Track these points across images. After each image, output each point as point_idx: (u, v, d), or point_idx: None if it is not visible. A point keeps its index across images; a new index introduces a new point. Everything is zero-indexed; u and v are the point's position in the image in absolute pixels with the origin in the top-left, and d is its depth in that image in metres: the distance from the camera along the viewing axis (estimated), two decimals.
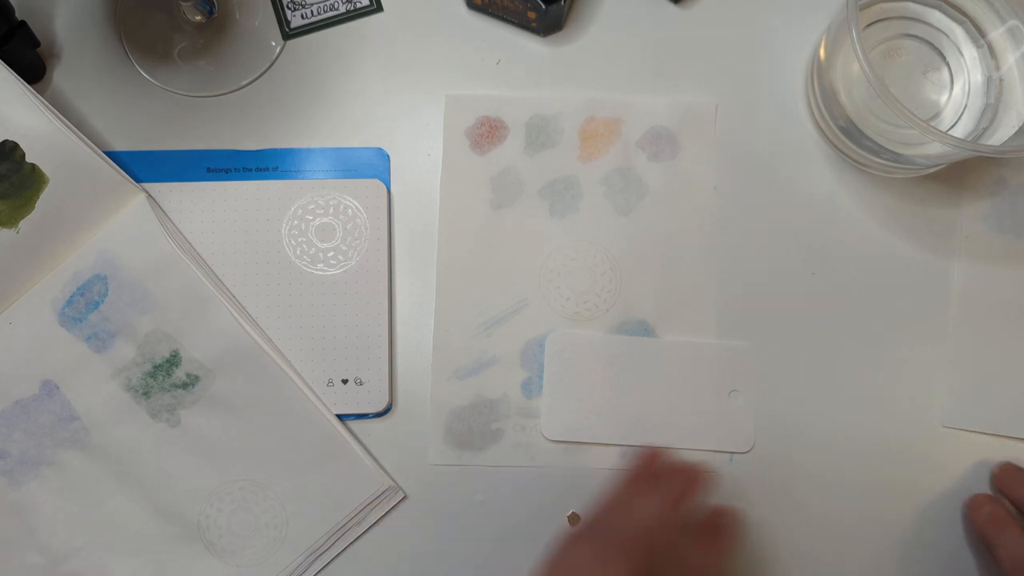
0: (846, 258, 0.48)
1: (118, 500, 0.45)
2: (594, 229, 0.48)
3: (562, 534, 0.41)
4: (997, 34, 0.46)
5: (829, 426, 0.47)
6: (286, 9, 0.49)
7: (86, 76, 0.49)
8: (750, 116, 0.49)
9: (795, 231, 0.49)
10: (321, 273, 0.47)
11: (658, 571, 0.37)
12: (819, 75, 0.48)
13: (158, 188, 0.47)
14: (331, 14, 0.50)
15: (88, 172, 0.44)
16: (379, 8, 0.50)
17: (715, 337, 0.48)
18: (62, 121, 0.43)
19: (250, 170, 0.48)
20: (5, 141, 0.42)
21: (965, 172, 0.49)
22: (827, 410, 0.47)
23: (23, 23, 0.46)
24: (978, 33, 0.47)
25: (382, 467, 0.46)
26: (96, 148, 0.44)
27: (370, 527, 0.46)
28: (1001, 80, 0.46)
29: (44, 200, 0.44)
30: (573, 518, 0.47)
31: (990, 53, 0.47)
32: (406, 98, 0.49)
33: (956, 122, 0.46)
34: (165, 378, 0.46)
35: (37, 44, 0.47)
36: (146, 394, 0.46)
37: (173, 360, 0.46)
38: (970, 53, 0.47)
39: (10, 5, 0.46)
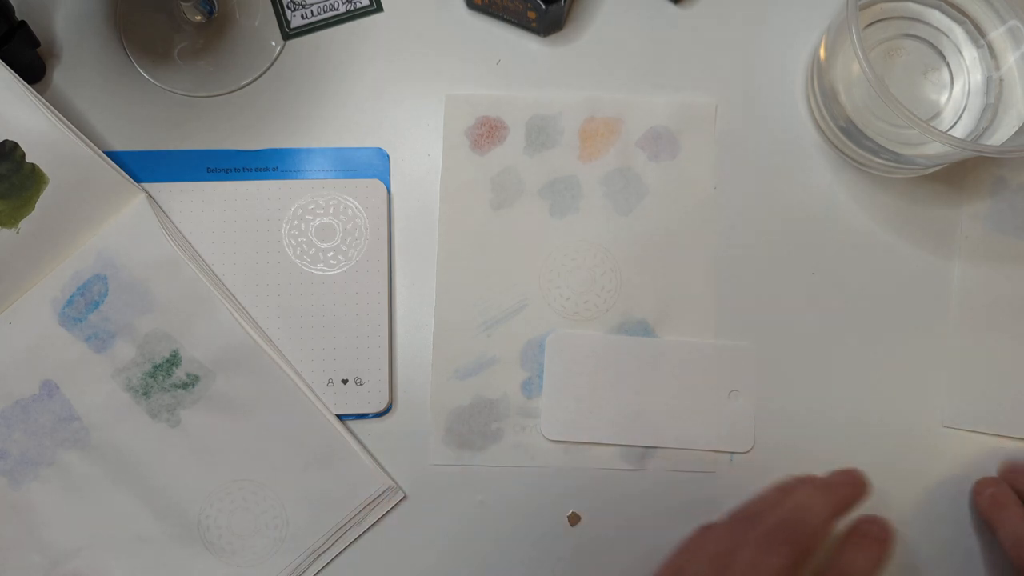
0: (846, 258, 0.48)
1: (118, 500, 0.45)
2: (594, 229, 0.48)
3: (700, 528, 0.40)
4: (997, 34, 0.46)
5: (829, 426, 0.47)
6: (286, 9, 0.49)
7: (86, 76, 0.49)
8: (750, 116, 0.49)
9: (795, 231, 0.49)
10: (321, 273, 0.47)
11: (815, 571, 0.36)
12: (819, 75, 0.48)
13: (158, 188, 0.47)
14: (331, 14, 0.50)
15: (88, 172, 0.44)
16: (379, 8, 0.50)
17: (715, 337, 0.48)
18: (62, 121, 0.43)
19: (250, 170, 0.48)
20: (5, 141, 0.42)
21: (965, 172, 0.49)
22: (827, 410, 0.47)
23: (23, 23, 0.46)
24: (978, 33, 0.47)
25: (382, 467, 0.46)
26: (96, 148, 0.44)
27: (370, 527, 0.46)
28: (1001, 80, 0.46)
29: (44, 200, 0.44)
30: (573, 518, 0.47)
31: (990, 53, 0.47)
32: (406, 98, 0.49)
33: (956, 122, 0.46)
34: (165, 378, 0.46)
35: (37, 44, 0.47)
36: (146, 394, 0.46)
37: (173, 360, 0.46)
38: (970, 53, 0.47)
39: (10, 5, 0.46)
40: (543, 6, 0.46)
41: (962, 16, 0.47)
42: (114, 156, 0.47)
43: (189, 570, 0.45)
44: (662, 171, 0.49)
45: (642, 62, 0.50)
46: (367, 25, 0.50)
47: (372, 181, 0.48)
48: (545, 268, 0.48)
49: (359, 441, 0.46)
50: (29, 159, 0.43)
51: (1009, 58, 0.46)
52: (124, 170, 0.46)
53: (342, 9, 0.50)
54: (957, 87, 0.47)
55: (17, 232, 0.44)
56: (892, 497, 0.47)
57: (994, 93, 0.46)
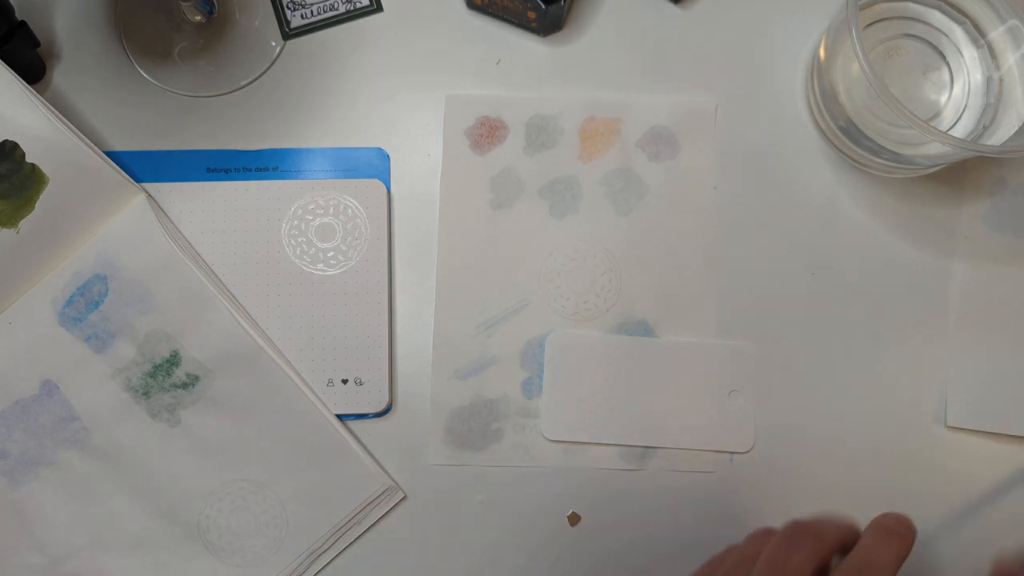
0: (846, 258, 0.48)
1: (118, 500, 0.45)
2: (594, 229, 0.48)
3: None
4: (997, 34, 0.46)
5: (829, 426, 0.47)
6: (286, 9, 0.49)
7: (86, 76, 0.49)
8: (750, 116, 0.49)
9: (795, 231, 0.49)
10: (321, 273, 0.47)
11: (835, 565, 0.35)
12: (819, 75, 0.48)
13: (158, 188, 0.47)
14: (331, 14, 0.50)
15: (88, 172, 0.44)
16: (379, 8, 0.50)
17: (715, 337, 0.48)
18: (62, 121, 0.43)
19: (250, 170, 0.48)
20: (5, 141, 0.42)
21: (965, 172, 0.49)
22: (827, 410, 0.47)
23: (23, 23, 0.46)
24: (978, 33, 0.47)
25: (382, 467, 0.46)
26: (96, 148, 0.44)
27: (370, 527, 0.46)
28: (1001, 80, 0.46)
29: (44, 200, 0.44)
30: (573, 518, 0.47)
31: (990, 53, 0.47)
32: (406, 98, 0.49)
33: (956, 122, 0.46)
34: (165, 378, 0.46)
35: (37, 44, 0.47)
36: (146, 394, 0.46)
37: (173, 360, 0.46)
38: (970, 53, 0.47)
39: (10, 5, 0.45)
40: (543, 6, 0.46)
41: (962, 16, 0.47)
42: (114, 156, 0.47)
43: (189, 570, 0.45)
44: (662, 171, 0.49)
45: (642, 62, 0.50)
46: (367, 25, 0.50)
47: (372, 181, 0.48)
48: (545, 268, 0.48)
49: (359, 441, 0.46)
50: (29, 159, 0.43)
51: (1009, 58, 0.46)
52: (124, 170, 0.46)
53: (342, 9, 0.50)
54: (957, 87, 0.47)
55: (17, 232, 0.44)
56: (892, 497, 0.47)
57: (994, 93, 0.46)
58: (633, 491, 0.47)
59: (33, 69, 0.48)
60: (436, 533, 0.46)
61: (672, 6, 0.50)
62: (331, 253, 0.47)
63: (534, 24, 0.49)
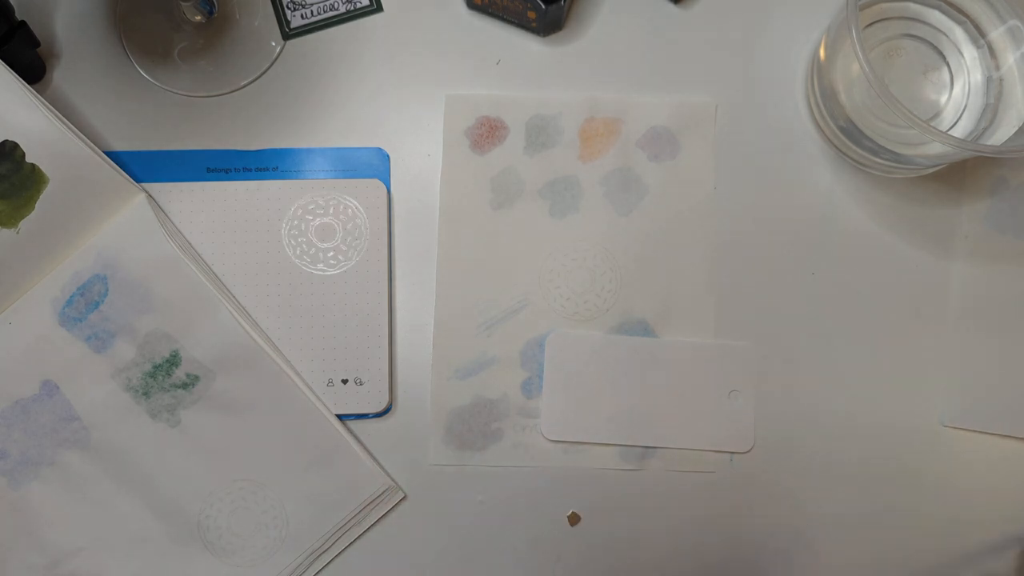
0: (846, 258, 0.48)
1: (118, 500, 0.45)
2: (594, 229, 0.48)
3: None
4: (997, 34, 0.46)
5: (829, 426, 0.47)
6: (286, 9, 0.49)
7: (86, 76, 0.49)
8: (750, 116, 0.49)
9: (795, 231, 0.49)
10: (321, 273, 0.47)
11: None
12: (819, 75, 0.48)
13: (158, 188, 0.47)
14: (331, 14, 0.50)
15: (88, 172, 0.44)
16: (379, 8, 0.50)
17: (715, 337, 0.48)
18: (62, 121, 0.43)
19: (250, 170, 0.48)
20: (5, 141, 0.42)
21: (965, 172, 0.49)
22: (826, 410, 0.47)
23: (23, 23, 0.46)
24: (978, 33, 0.47)
25: (382, 467, 0.46)
26: (96, 148, 0.44)
27: (370, 527, 0.46)
28: (1001, 80, 0.46)
29: (44, 200, 0.44)
30: (573, 518, 0.47)
31: (990, 53, 0.47)
32: (406, 98, 0.49)
33: (956, 122, 0.46)
34: (165, 378, 0.46)
35: (37, 44, 0.47)
36: (146, 394, 0.46)
37: (173, 360, 0.46)
38: (970, 53, 0.47)
39: (10, 5, 0.46)
40: (543, 6, 0.46)
41: (962, 16, 0.47)
42: (114, 156, 0.47)
43: (189, 570, 0.45)
44: (662, 171, 0.49)
45: (642, 62, 0.50)
46: (367, 25, 0.50)
47: (372, 181, 0.48)
48: (545, 268, 0.48)
49: (359, 441, 0.46)
50: (29, 159, 0.43)
51: (1009, 58, 0.46)
52: (124, 170, 0.46)
53: (342, 9, 0.50)
54: (957, 87, 0.47)
55: (17, 232, 0.44)
56: (892, 497, 0.47)
57: (994, 93, 0.46)
58: (633, 491, 0.47)
59: (33, 69, 0.48)
60: (436, 533, 0.46)
61: (672, 6, 0.50)
62: (331, 253, 0.47)
63: (534, 24, 0.49)
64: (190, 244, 0.47)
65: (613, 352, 0.47)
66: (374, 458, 0.46)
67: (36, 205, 0.44)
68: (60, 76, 0.49)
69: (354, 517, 0.46)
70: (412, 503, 0.47)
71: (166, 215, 0.47)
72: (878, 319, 0.48)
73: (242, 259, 0.47)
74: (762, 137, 0.49)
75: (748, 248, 0.48)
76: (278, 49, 0.49)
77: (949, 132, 0.46)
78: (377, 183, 0.48)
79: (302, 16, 0.49)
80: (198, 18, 0.49)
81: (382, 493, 0.46)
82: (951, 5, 0.47)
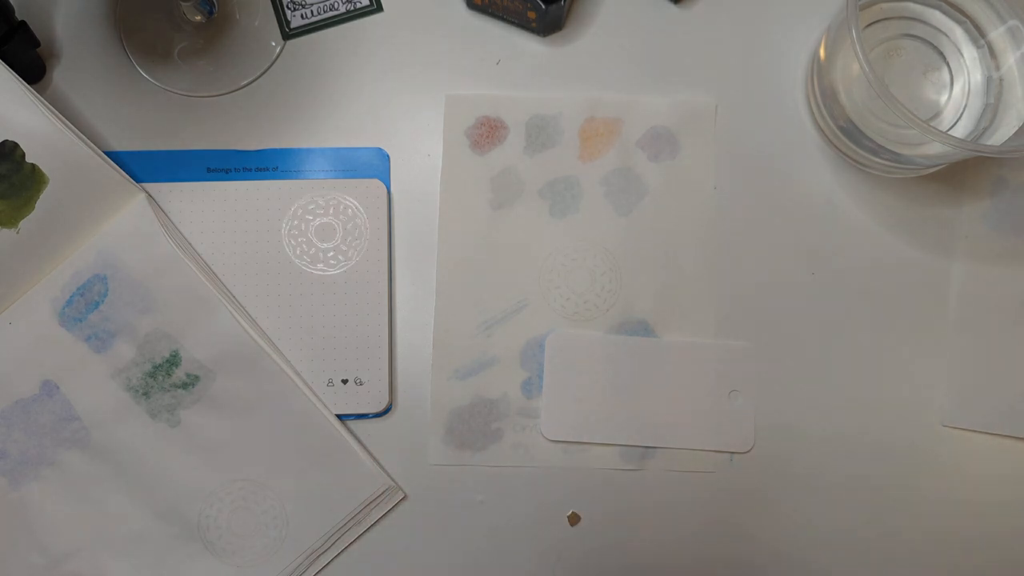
0: (846, 258, 0.48)
1: (118, 500, 0.45)
2: (594, 229, 0.48)
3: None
4: (997, 34, 0.46)
5: (829, 426, 0.47)
6: (286, 9, 0.49)
7: (86, 76, 0.49)
8: (750, 116, 0.49)
9: (795, 231, 0.49)
10: (321, 273, 0.47)
11: None
12: (819, 75, 0.48)
13: (158, 188, 0.47)
14: (331, 14, 0.50)
15: (88, 172, 0.44)
16: (379, 8, 0.50)
17: (715, 337, 0.48)
18: (62, 121, 0.43)
19: (250, 170, 0.48)
20: (5, 141, 0.42)
21: (965, 172, 0.49)
22: (827, 410, 0.47)
23: (23, 23, 0.46)
24: (978, 33, 0.47)
25: (382, 467, 0.46)
26: (96, 148, 0.44)
27: (370, 527, 0.46)
28: (1001, 80, 0.46)
29: (44, 200, 0.44)
30: (573, 518, 0.47)
31: (990, 53, 0.47)
32: (406, 98, 0.49)
33: (956, 122, 0.46)
34: (165, 378, 0.46)
35: (37, 44, 0.47)
36: (146, 394, 0.46)
37: (173, 360, 0.46)
38: (970, 53, 0.47)
39: (10, 5, 0.46)
40: (543, 6, 0.46)
41: (962, 16, 0.47)
42: (114, 156, 0.47)
43: (189, 570, 0.45)
44: (662, 171, 0.49)
45: (642, 62, 0.50)
46: (367, 25, 0.50)
47: (372, 181, 0.48)
48: (545, 268, 0.48)
49: (359, 441, 0.46)
50: (29, 159, 0.43)
51: (1009, 58, 0.46)
52: (124, 170, 0.46)
53: (342, 9, 0.50)
54: (957, 87, 0.47)
55: (17, 232, 0.44)
56: (892, 497, 0.47)
57: (994, 93, 0.46)
58: (633, 491, 0.47)
59: (33, 69, 0.48)
60: (436, 533, 0.46)
61: (672, 6, 0.50)
62: (331, 253, 0.47)
63: (534, 24, 0.49)
64: (190, 244, 0.47)
65: (613, 352, 0.47)
66: (374, 458, 0.46)
67: (36, 205, 0.44)
68: (60, 76, 0.49)
69: (354, 517, 0.46)
70: (412, 503, 0.47)
71: (166, 215, 0.47)
72: (878, 319, 0.48)
73: (242, 259, 0.47)
74: (762, 137, 0.49)
75: (748, 248, 0.48)
76: (278, 49, 0.49)
77: (949, 132, 0.46)
78: (377, 183, 0.48)
79: (302, 16, 0.49)
80: (198, 18, 0.49)
81: (382, 493, 0.46)
82: (951, 5, 0.47)
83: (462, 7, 0.50)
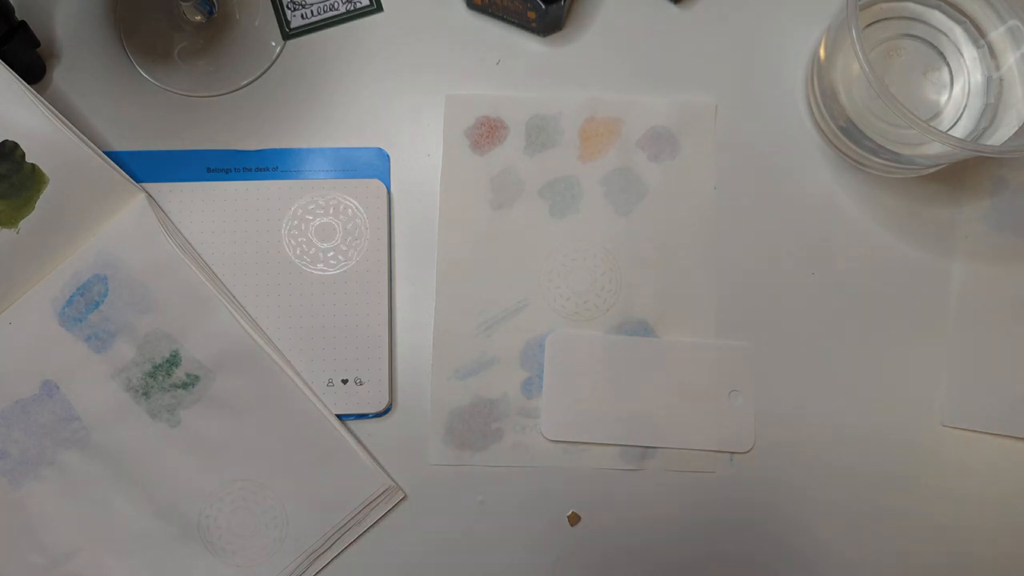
0: (846, 258, 0.48)
1: (118, 500, 0.45)
2: (594, 229, 0.48)
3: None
4: (997, 34, 0.46)
5: (829, 426, 0.47)
6: (286, 9, 0.49)
7: (86, 76, 0.49)
8: (750, 116, 0.49)
9: (795, 231, 0.49)
10: (321, 273, 0.47)
11: None
12: (819, 75, 0.48)
13: (158, 188, 0.47)
14: (331, 14, 0.50)
15: (88, 172, 0.44)
16: (379, 8, 0.50)
17: (715, 337, 0.48)
18: (62, 121, 0.43)
19: (250, 170, 0.48)
20: (5, 141, 0.42)
21: (965, 172, 0.49)
22: (827, 410, 0.47)
23: (23, 23, 0.46)
24: (978, 33, 0.47)
25: (382, 467, 0.46)
26: (96, 148, 0.44)
27: (370, 527, 0.46)
28: (1001, 80, 0.46)
29: (44, 200, 0.44)
30: (573, 518, 0.47)
31: (990, 53, 0.47)
32: (406, 98, 0.49)
33: (956, 122, 0.46)
34: (165, 378, 0.46)
35: (37, 44, 0.47)
36: (146, 394, 0.46)
37: (173, 360, 0.46)
38: (970, 53, 0.47)
39: (10, 5, 0.46)
40: (543, 6, 0.46)
41: (962, 16, 0.47)
42: (114, 156, 0.47)
43: (189, 570, 0.45)
44: (662, 171, 0.49)
45: (642, 62, 0.50)
46: (367, 25, 0.50)
47: (372, 181, 0.48)
48: (545, 268, 0.48)
49: (359, 441, 0.46)
50: (29, 159, 0.43)
51: (1009, 58, 0.46)
52: (124, 170, 0.46)
53: (342, 9, 0.50)
54: (957, 87, 0.47)
55: (17, 232, 0.44)
56: (891, 496, 0.47)
57: (994, 93, 0.46)
58: (633, 491, 0.47)
59: (33, 69, 0.48)
60: (436, 533, 0.46)
61: (672, 6, 0.50)
62: (331, 253, 0.47)
63: (534, 24, 0.49)
64: (190, 244, 0.47)
65: (613, 352, 0.47)
66: (374, 458, 0.46)
67: (36, 205, 0.44)
68: (60, 76, 0.49)
69: (354, 517, 0.46)
70: (412, 503, 0.47)
71: (166, 215, 0.47)
72: (878, 319, 0.48)
73: (242, 259, 0.47)
74: (762, 137, 0.49)
75: (748, 248, 0.48)
76: (278, 49, 0.49)
77: (949, 132, 0.46)
78: (377, 183, 0.48)
79: (302, 16, 0.49)
80: (198, 18, 0.49)
81: (382, 493, 0.46)
82: (951, 5, 0.47)
83: (462, 7, 0.50)
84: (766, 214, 0.49)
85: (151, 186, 0.47)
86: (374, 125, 0.49)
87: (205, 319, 0.46)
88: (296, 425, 0.46)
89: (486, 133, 0.49)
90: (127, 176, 0.46)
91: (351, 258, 0.47)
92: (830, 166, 0.49)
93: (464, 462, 0.47)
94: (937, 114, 0.47)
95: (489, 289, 0.48)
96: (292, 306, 0.47)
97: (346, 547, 0.46)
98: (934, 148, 0.44)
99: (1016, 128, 0.45)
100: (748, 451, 0.47)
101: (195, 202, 0.47)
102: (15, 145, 0.42)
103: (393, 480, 0.46)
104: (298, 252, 0.47)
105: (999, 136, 0.45)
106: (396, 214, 0.48)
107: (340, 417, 0.46)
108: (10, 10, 0.45)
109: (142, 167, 0.48)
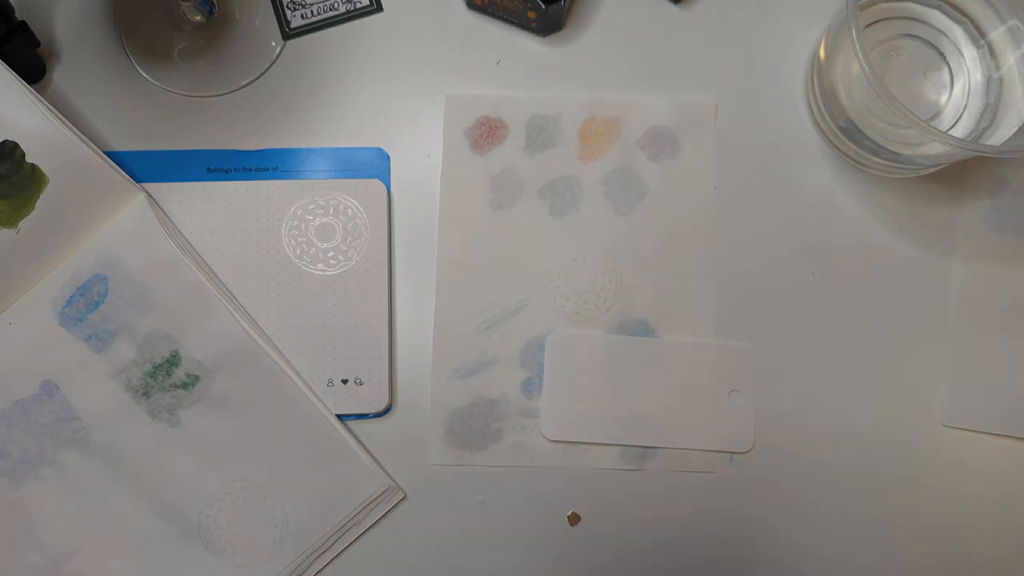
0: (846, 258, 0.48)
1: (118, 500, 0.45)
2: (594, 229, 0.48)
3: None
4: (997, 34, 0.46)
5: (829, 426, 0.47)
6: (286, 9, 0.49)
7: (86, 76, 0.49)
8: (750, 116, 0.49)
9: (795, 231, 0.49)
10: (321, 273, 0.47)
11: None
12: (819, 75, 0.48)
13: (158, 188, 0.47)
14: (331, 14, 0.50)
15: (88, 172, 0.44)
16: (379, 8, 0.50)
17: (715, 337, 0.48)
18: (62, 121, 0.43)
19: (250, 170, 0.48)
20: (5, 141, 0.42)
21: (965, 172, 0.49)
22: (827, 410, 0.47)
23: (23, 23, 0.46)
24: (978, 33, 0.47)
25: (382, 467, 0.46)
26: (96, 148, 0.44)
27: (370, 527, 0.46)
28: (1001, 80, 0.46)
29: (44, 200, 0.44)
30: (573, 518, 0.47)
31: (990, 53, 0.47)
32: (406, 98, 0.49)
33: (956, 122, 0.46)
34: (165, 378, 0.46)
35: (37, 44, 0.47)
36: (146, 394, 0.46)
37: (173, 360, 0.46)
38: (970, 53, 0.47)
39: (10, 5, 0.46)
40: (543, 6, 0.46)
41: (962, 16, 0.47)
42: (114, 156, 0.47)
43: (189, 570, 0.45)
44: (662, 171, 0.49)
45: (642, 62, 0.50)
46: (367, 25, 0.50)
47: (372, 181, 0.48)
48: (545, 268, 0.48)
49: (359, 441, 0.46)
50: (29, 159, 0.43)
51: (1009, 58, 0.46)
52: (124, 170, 0.46)
53: (342, 9, 0.50)
54: (957, 87, 0.47)
55: (17, 232, 0.44)
56: (891, 497, 0.47)
57: (994, 93, 0.46)
58: (633, 491, 0.47)
59: (33, 69, 0.48)
60: (436, 533, 0.46)
61: (672, 6, 0.50)
62: (331, 253, 0.47)
63: (534, 24, 0.49)
64: (190, 244, 0.47)
65: (613, 352, 0.47)
66: (374, 458, 0.46)
67: (36, 205, 0.44)
68: (60, 76, 0.49)
69: (354, 517, 0.46)
70: (412, 503, 0.47)
71: (166, 215, 0.47)
72: (878, 319, 0.48)
73: (242, 259, 0.47)
74: (762, 137, 0.49)
75: (748, 248, 0.48)
76: (278, 49, 0.49)
77: (949, 132, 0.46)
78: (377, 183, 0.48)
79: (302, 16, 0.49)
80: (198, 18, 0.49)
81: (382, 493, 0.46)
82: (951, 5, 0.47)
83: (462, 7, 0.50)
84: (766, 214, 0.49)
85: (151, 186, 0.47)
86: (374, 125, 0.49)
87: (205, 319, 0.46)
88: (296, 425, 0.46)
89: (486, 133, 0.49)
90: (127, 176, 0.46)
91: (351, 258, 0.47)
92: (830, 166, 0.49)
93: (464, 462, 0.47)
94: (937, 114, 0.47)
95: (489, 289, 0.48)
96: (292, 306, 0.47)
97: (346, 547, 0.46)
98: (934, 148, 0.44)
99: (1016, 128, 0.45)
100: (748, 451, 0.47)
101: (195, 202, 0.47)
102: (15, 145, 0.42)
103: (393, 480, 0.46)
104: (298, 252, 0.47)
105: (999, 136, 0.45)
106: (396, 214, 0.48)
107: (340, 417, 0.46)
108: (10, 10, 0.45)
109: (142, 167, 0.48)
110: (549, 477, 0.47)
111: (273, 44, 0.49)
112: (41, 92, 0.47)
